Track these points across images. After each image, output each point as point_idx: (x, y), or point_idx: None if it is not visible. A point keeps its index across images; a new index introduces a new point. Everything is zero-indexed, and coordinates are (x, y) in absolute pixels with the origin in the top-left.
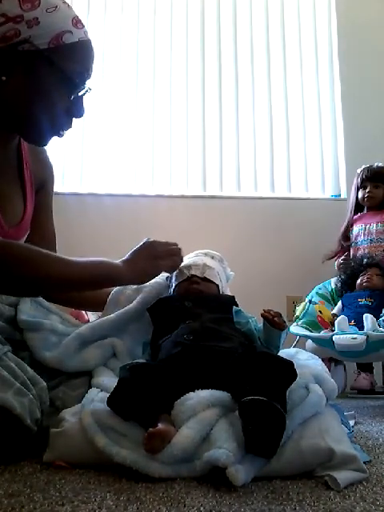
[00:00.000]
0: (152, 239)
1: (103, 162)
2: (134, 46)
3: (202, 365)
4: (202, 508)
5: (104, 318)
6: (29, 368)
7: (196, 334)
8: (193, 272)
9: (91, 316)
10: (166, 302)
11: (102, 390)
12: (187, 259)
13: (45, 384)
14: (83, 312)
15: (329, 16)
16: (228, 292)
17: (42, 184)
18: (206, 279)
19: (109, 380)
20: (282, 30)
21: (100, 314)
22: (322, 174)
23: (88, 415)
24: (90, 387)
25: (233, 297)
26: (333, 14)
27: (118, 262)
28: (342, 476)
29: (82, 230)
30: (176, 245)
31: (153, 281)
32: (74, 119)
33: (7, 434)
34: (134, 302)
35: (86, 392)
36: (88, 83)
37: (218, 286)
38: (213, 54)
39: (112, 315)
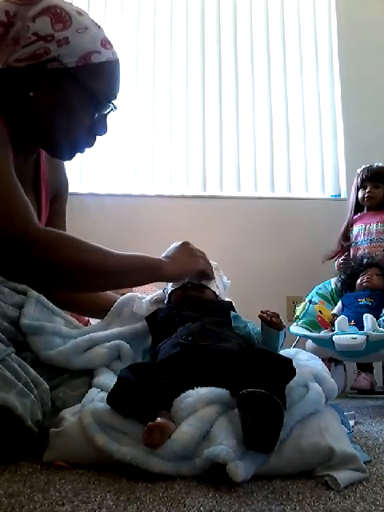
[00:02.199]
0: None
1: (103, 162)
2: (134, 45)
3: (201, 364)
4: (201, 508)
5: (119, 329)
6: (31, 369)
7: (195, 335)
8: (189, 279)
9: (92, 320)
10: (164, 310)
11: (102, 390)
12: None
13: (47, 386)
14: None
15: (329, 16)
16: (226, 299)
17: (57, 192)
18: (202, 286)
19: (109, 380)
20: (282, 30)
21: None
22: (322, 174)
23: (88, 414)
24: (90, 387)
25: (230, 302)
26: (333, 14)
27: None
28: (342, 476)
29: (82, 230)
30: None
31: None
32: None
33: (8, 434)
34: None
35: (87, 392)
36: (113, 102)
37: (214, 292)
38: (213, 54)
39: (126, 327)
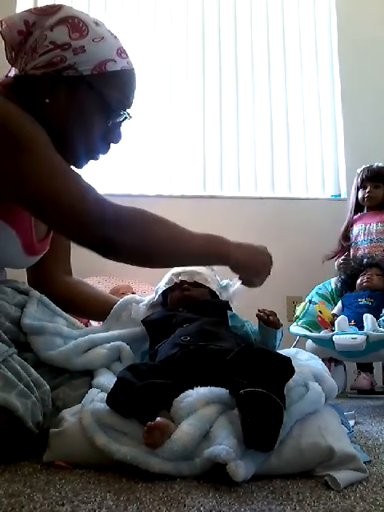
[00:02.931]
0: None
1: (103, 162)
2: (133, 46)
3: (199, 363)
4: (201, 508)
5: (120, 331)
6: (33, 370)
7: (193, 335)
8: (182, 278)
9: (92, 322)
10: (161, 312)
11: (102, 391)
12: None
13: (48, 387)
14: None
15: (329, 16)
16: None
17: None
18: (196, 284)
19: (109, 381)
20: (282, 30)
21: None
22: (322, 174)
23: (88, 415)
24: (90, 388)
25: (227, 302)
26: (333, 14)
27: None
28: (342, 476)
29: None
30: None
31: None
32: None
33: (8, 434)
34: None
35: (87, 392)
36: (128, 111)
37: (210, 289)
38: (213, 54)
39: (126, 330)
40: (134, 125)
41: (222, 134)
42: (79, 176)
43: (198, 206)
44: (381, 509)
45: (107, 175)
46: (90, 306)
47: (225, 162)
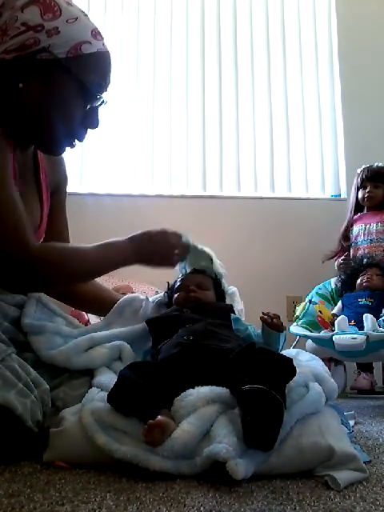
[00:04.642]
0: (166, 229)
1: (103, 162)
2: (133, 46)
3: (201, 362)
4: (201, 508)
5: (120, 329)
6: (32, 370)
7: (196, 335)
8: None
9: (91, 318)
10: (165, 313)
11: (102, 390)
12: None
13: (47, 386)
14: (83, 313)
15: (329, 15)
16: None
17: (56, 186)
18: (202, 286)
19: (109, 380)
20: (282, 30)
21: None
22: (322, 174)
23: (88, 414)
24: (90, 387)
25: (230, 305)
26: (333, 14)
27: (126, 240)
28: (342, 476)
29: (82, 230)
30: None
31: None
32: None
33: (8, 434)
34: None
35: (87, 392)
36: (104, 95)
37: (215, 292)
38: (213, 54)
39: (128, 328)
40: (134, 125)
41: (221, 134)
42: (17, 208)
43: (198, 206)
44: (381, 509)
45: (107, 175)
46: (92, 301)
47: (225, 162)
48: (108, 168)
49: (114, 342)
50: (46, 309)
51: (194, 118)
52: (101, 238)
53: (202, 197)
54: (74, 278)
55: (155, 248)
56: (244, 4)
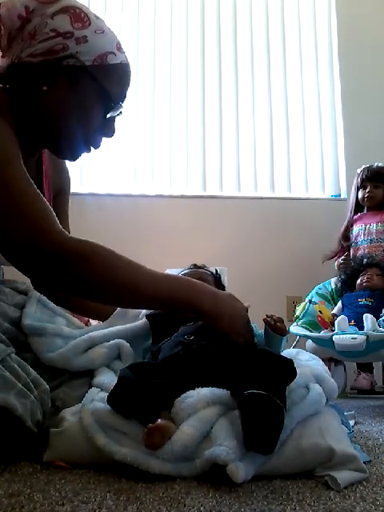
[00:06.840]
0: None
1: (103, 162)
2: (133, 45)
3: (202, 363)
4: (201, 508)
5: (119, 327)
6: (32, 370)
7: (197, 334)
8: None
9: (92, 320)
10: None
11: (102, 390)
12: (182, 273)
13: (47, 386)
14: None
15: (329, 15)
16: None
17: (59, 190)
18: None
19: (109, 380)
20: (282, 30)
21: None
22: (322, 174)
23: (88, 414)
24: (90, 388)
25: None
26: (333, 14)
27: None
28: (342, 476)
29: (82, 230)
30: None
31: None
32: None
33: (8, 434)
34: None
35: (87, 392)
36: (123, 105)
37: (215, 283)
38: (213, 54)
39: (127, 325)
40: (135, 125)
41: (221, 134)
42: (43, 200)
43: (198, 206)
44: (381, 509)
45: (107, 175)
46: (95, 306)
47: (225, 162)
48: (108, 168)
49: (112, 341)
50: (47, 309)
51: (194, 118)
52: (101, 238)
53: (202, 197)
54: (118, 291)
55: (234, 313)
56: (244, 4)
